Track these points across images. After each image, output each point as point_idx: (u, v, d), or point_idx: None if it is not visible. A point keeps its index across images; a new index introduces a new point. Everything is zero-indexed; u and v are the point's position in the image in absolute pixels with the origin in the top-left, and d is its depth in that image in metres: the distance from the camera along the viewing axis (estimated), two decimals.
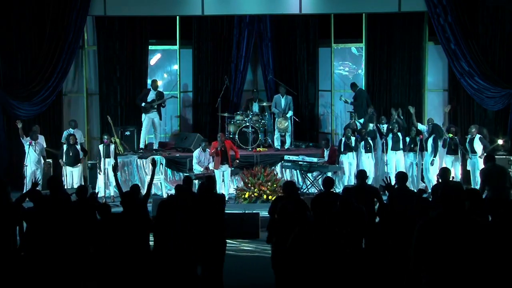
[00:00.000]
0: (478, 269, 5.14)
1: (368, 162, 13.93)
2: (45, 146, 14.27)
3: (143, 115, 15.25)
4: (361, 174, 9.54)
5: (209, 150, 14.00)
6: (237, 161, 13.86)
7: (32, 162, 13.66)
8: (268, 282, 8.25)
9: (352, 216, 7.55)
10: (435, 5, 14.58)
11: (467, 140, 13.59)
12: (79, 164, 13.85)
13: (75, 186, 12.96)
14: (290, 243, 5.98)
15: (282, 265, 6.47)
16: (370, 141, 14.00)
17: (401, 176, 9.08)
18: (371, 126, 14.40)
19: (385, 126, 14.40)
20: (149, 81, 15.99)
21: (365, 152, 13.94)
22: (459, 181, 12.99)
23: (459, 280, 5.12)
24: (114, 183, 13.82)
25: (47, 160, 14.46)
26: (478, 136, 13.50)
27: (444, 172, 9.59)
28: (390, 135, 14.03)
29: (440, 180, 9.44)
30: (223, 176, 13.51)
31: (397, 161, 14.01)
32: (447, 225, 5.26)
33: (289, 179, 14.45)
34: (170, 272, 7.59)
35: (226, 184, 13.65)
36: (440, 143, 13.77)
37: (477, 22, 14.79)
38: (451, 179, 10.08)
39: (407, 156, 13.98)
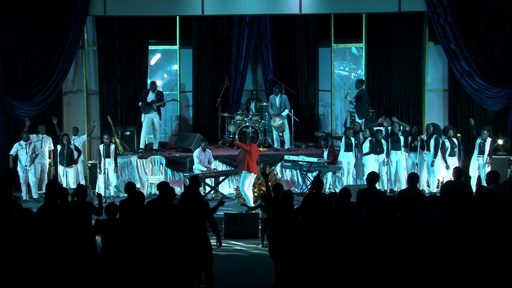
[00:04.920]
0: (478, 268, 5.14)
1: (374, 163, 13.85)
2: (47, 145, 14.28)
3: (143, 115, 15.25)
4: (371, 177, 9.19)
5: (209, 150, 14.02)
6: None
7: (24, 163, 13.72)
8: (268, 282, 8.24)
9: (349, 216, 7.51)
10: (435, 5, 14.57)
11: (478, 142, 13.55)
12: (74, 165, 13.84)
13: (72, 186, 12.95)
14: (280, 246, 5.96)
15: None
16: (381, 143, 13.85)
17: (412, 178, 9.03)
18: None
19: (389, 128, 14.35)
20: (149, 82, 15.99)
21: (375, 154, 13.80)
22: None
23: (460, 278, 5.12)
24: (114, 183, 13.86)
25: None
26: (489, 139, 13.48)
27: (457, 172, 9.60)
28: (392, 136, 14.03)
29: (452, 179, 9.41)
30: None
31: (398, 161, 14.00)
32: (447, 224, 5.27)
33: (289, 179, 14.46)
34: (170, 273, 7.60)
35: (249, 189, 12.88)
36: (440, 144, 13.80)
37: (477, 22, 14.79)
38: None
39: (408, 157, 13.97)
